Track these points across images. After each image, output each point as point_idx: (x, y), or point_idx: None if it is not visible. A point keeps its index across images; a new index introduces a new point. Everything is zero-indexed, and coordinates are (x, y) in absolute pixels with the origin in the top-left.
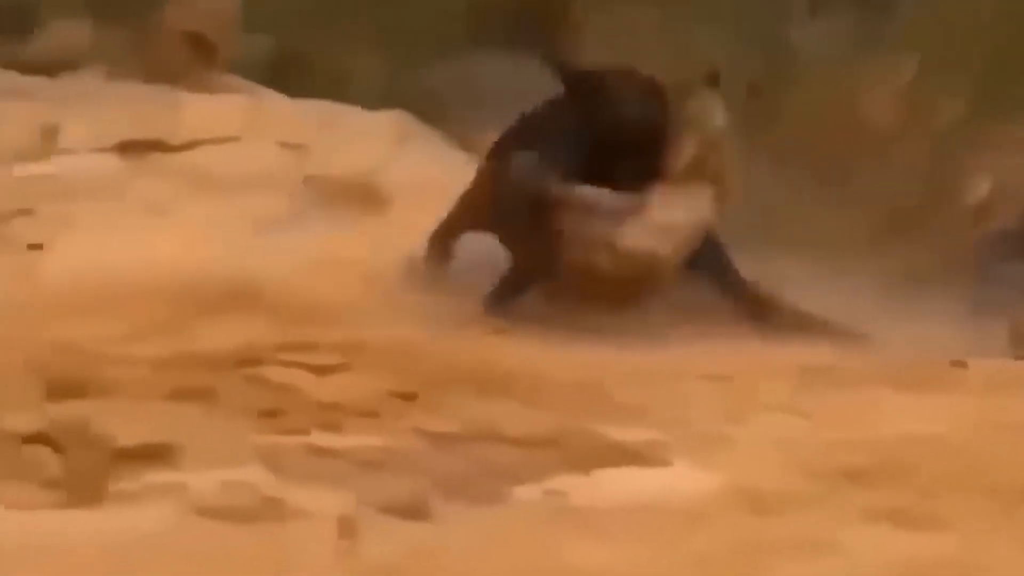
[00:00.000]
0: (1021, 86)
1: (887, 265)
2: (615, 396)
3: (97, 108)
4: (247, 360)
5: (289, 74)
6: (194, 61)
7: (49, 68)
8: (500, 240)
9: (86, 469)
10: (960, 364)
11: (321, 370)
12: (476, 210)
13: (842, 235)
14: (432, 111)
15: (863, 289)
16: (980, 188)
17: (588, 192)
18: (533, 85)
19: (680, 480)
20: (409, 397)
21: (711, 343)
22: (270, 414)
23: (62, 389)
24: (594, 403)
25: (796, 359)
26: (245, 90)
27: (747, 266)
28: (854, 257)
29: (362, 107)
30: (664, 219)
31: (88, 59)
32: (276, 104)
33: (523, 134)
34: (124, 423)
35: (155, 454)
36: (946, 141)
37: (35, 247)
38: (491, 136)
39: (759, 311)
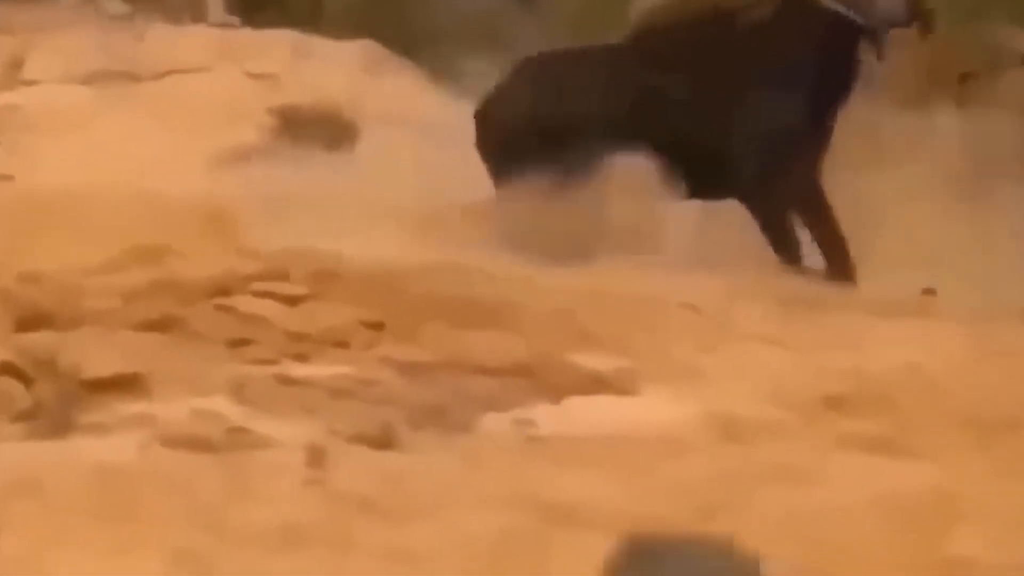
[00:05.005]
0: None
1: None
2: (588, 325)
3: (64, 38)
4: (217, 290)
5: (261, 3)
6: None
7: None
8: None
9: (55, 400)
10: (930, 292)
11: (291, 300)
12: None
13: None
14: (407, 43)
15: None
16: None
17: None
18: (508, 17)
19: (653, 409)
20: (379, 327)
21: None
22: (239, 344)
23: (30, 320)
24: (567, 332)
25: (771, 287)
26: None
27: None
28: None
29: (335, 38)
30: None
31: None
32: (245, 35)
33: None
34: (93, 354)
35: (124, 384)
36: None
37: (2, 178)
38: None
39: None
